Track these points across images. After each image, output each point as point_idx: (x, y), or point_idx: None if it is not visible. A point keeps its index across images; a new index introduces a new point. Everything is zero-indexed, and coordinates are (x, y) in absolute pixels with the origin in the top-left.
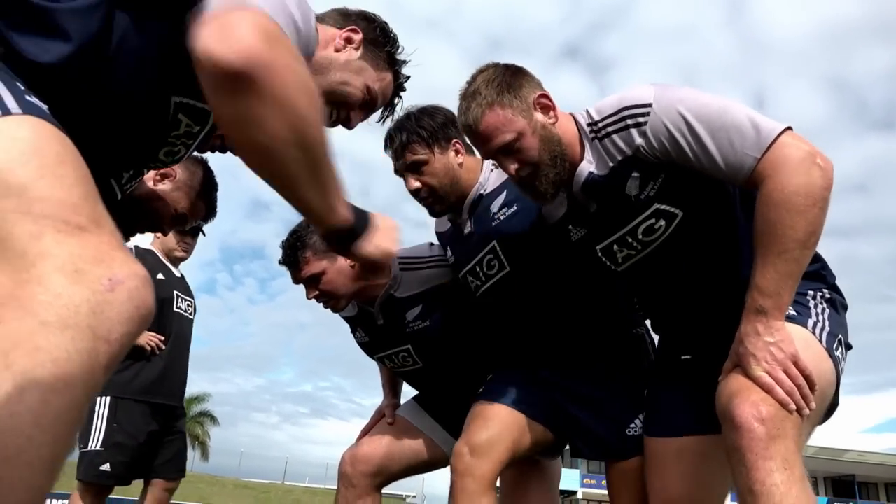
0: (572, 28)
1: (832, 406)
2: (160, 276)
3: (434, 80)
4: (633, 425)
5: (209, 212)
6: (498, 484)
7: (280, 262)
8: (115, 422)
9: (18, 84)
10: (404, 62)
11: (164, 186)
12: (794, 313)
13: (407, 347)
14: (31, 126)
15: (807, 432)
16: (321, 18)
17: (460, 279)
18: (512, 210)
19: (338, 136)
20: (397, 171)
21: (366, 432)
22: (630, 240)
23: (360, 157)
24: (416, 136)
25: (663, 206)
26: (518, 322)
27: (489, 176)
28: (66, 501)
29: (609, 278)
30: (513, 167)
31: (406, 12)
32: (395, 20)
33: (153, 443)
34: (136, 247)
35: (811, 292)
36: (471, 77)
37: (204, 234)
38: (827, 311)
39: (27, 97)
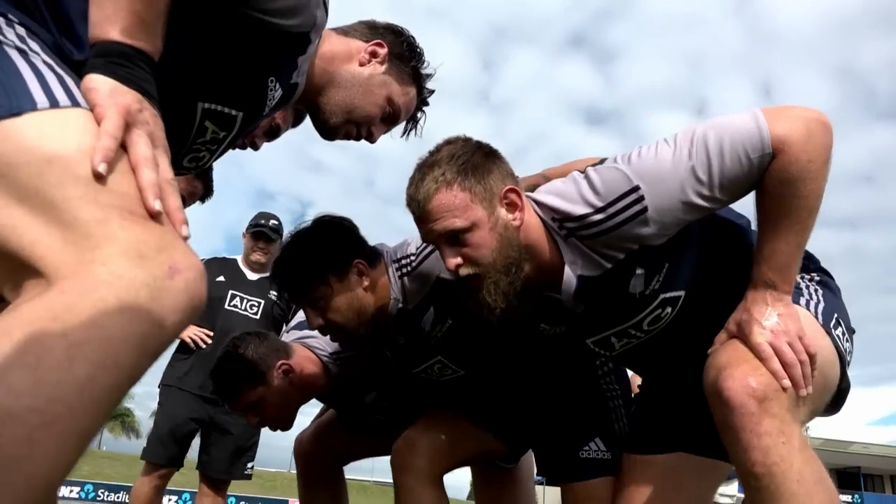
0: (578, 16)
1: (840, 393)
2: (220, 277)
3: (439, 70)
4: (587, 448)
5: (206, 191)
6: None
7: (213, 394)
8: (160, 404)
9: (67, 76)
10: (429, 76)
11: None
12: None
13: (438, 358)
14: (89, 119)
15: (806, 413)
16: (347, 31)
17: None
18: (448, 325)
19: None
20: (296, 305)
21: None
22: (633, 331)
23: (365, 149)
24: (306, 275)
25: (668, 294)
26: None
27: (399, 286)
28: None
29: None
30: (454, 261)
31: (409, 1)
32: (398, 9)
33: (195, 431)
34: (222, 257)
35: (798, 277)
36: (436, 146)
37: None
38: (820, 290)
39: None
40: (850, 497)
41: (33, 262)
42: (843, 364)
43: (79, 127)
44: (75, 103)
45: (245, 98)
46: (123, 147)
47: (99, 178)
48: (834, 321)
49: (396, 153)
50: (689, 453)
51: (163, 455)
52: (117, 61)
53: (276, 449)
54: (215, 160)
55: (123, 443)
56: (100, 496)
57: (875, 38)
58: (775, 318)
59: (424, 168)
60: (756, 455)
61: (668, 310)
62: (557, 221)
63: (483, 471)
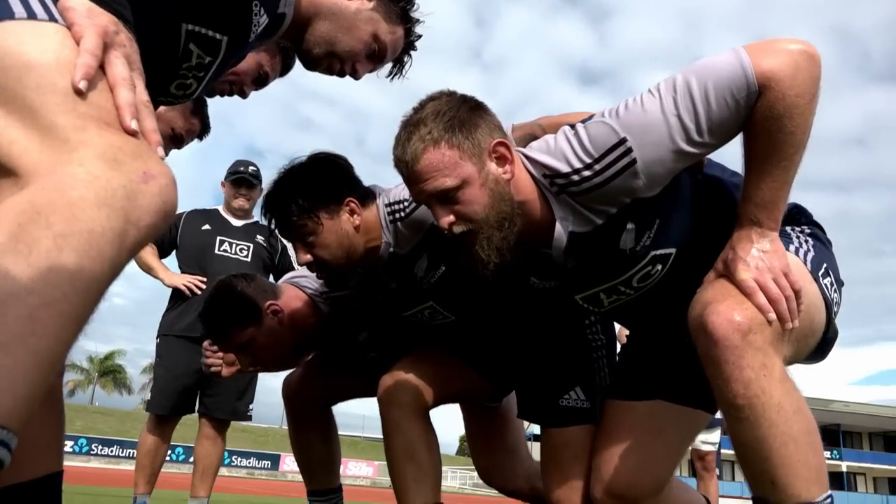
0: None
1: (826, 342)
2: (206, 226)
3: (430, 26)
4: (567, 396)
5: (204, 128)
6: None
7: (203, 336)
8: (158, 356)
9: None
10: (418, 20)
11: (159, 108)
12: None
13: (430, 304)
14: (66, 35)
15: (789, 350)
16: None
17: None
18: (440, 271)
19: (333, 85)
20: (285, 238)
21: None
22: (623, 288)
23: (355, 105)
24: (297, 207)
25: (659, 252)
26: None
27: (392, 230)
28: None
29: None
30: (447, 220)
31: None
32: None
33: (199, 379)
34: (202, 209)
35: (788, 228)
36: (419, 103)
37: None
38: (810, 241)
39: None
40: (829, 453)
41: (9, 161)
42: (830, 313)
43: (57, 40)
44: (52, 18)
45: (229, 21)
46: (101, 67)
47: (79, 92)
48: (823, 270)
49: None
50: (670, 401)
51: (166, 406)
52: None
53: (267, 405)
54: (203, 90)
55: (115, 399)
56: (93, 450)
57: None
58: (760, 258)
59: (410, 127)
60: (738, 387)
61: (659, 267)
62: (548, 178)
63: (471, 409)
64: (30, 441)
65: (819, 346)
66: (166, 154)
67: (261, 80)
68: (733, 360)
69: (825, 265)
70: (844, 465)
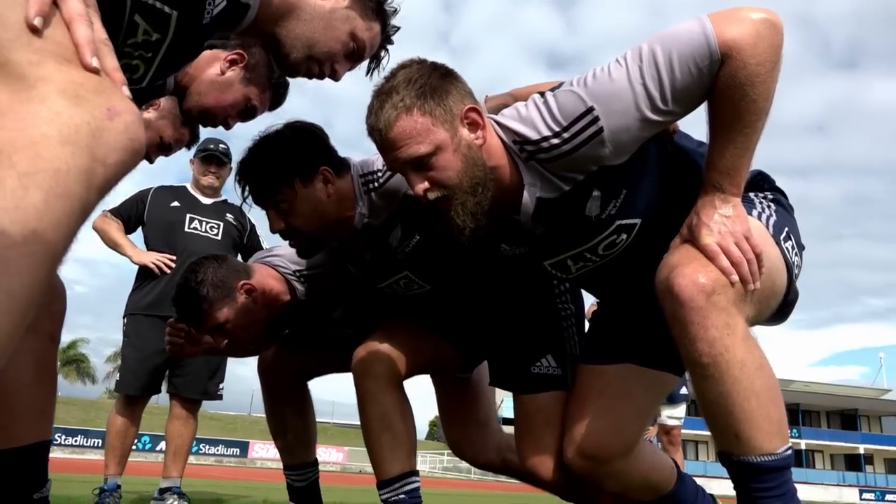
0: None
1: (787, 304)
2: (175, 203)
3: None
4: (539, 364)
5: (192, 138)
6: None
7: (179, 321)
8: (126, 335)
9: None
10: (394, 12)
11: (148, 115)
12: None
13: (405, 274)
14: None
15: (752, 311)
16: None
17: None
18: (415, 240)
19: None
20: (259, 205)
21: None
22: (588, 255)
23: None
24: (272, 174)
25: (624, 221)
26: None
27: (366, 200)
28: None
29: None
30: (421, 186)
31: None
32: None
33: (168, 359)
34: (170, 185)
35: (752, 194)
36: (390, 72)
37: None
38: (773, 206)
39: None
40: (789, 431)
41: None
42: (791, 276)
43: None
44: None
45: None
46: (54, 3)
47: (33, 29)
48: (784, 234)
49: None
50: (638, 365)
51: (136, 387)
52: None
53: (236, 393)
54: (153, 78)
55: (79, 388)
56: (57, 440)
57: None
58: (722, 222)
59: (382, 95)
60: (703, 346)
61: (624, 236)
62: (518, 144)
63: (443, 383)
64: (23, 409)
65: (781, 308)
66: (152, 160)
67: (247, 113)
68: (698, 320)
69: (786, 229)
70: (803, 443)
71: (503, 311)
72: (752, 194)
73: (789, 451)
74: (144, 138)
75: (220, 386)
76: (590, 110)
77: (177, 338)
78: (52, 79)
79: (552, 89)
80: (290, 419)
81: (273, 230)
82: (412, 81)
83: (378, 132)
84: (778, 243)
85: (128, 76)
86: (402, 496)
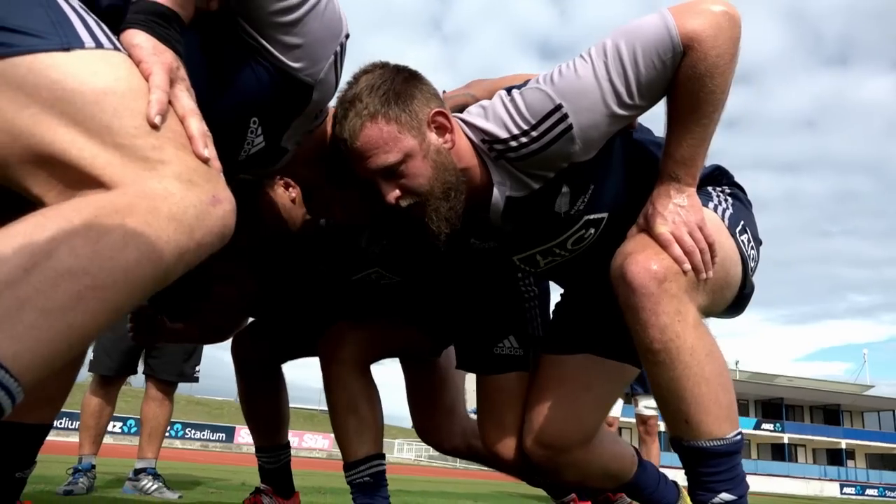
0: None
1: (742, 297)
2: None
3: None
4: (501, 345)
5: None
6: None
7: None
8: None
9: (100, 22)
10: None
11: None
12: None
13: (376, 269)
14: (132, 64)
15: (704, 300)
16: None
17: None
18: (384, 243)
19: None
20: None
21: None
22: (557, 250)
23: None
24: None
25: (592, 216)
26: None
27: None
28: None
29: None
30: (393, 195)
31: None
32: None
33: None
34: None
35: (710, 188)
36: (352, 77)
37: None
38: (730, 199)
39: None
40: (772, 425)
41: (94, 173)
42: (746, 268)
43: (125, 69)
44: (116, 48)
45: (220, 128)
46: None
47: (154, 127)
48: (740, 227)
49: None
50: (598, 355)
51: (110, 367)
52: (157, 20)
53: (223, 379)
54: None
55: None
56: None
57: None
58: (676, 212)
59: (345, 103)
60: (654, 332)
61: (592, 231)
62: (487, 143)
63: (411, 369)
64: (37, 389)
65: (736, 301)
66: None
67: None
68: (650, 306)
69: (742, 222)
70: (786, 437)
71: (467, 294)
72: (709, 188)
73: (738, 437)
74: (234, 225)
75: (197, 368)
76: (558, 108)
77: (142, 326)
78: (170, 162)
79: (518, 86)
80: (263, 402)
81: (240, 243)
82: (375, 87)
83: (344, 142)
84: (733, 235)
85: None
86: (367, 478)
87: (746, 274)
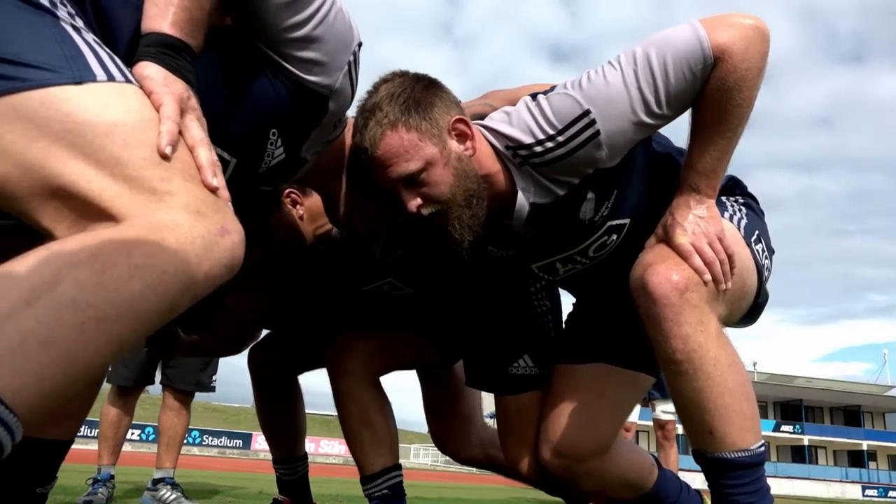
0: None
1: (756, 307)
2: None
3: (398, 5)
4: (516, 364)
5: None
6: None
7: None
8: None
9: (112, 54)
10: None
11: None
12: None
13: (389, 280)
14: (143, 95)
15: (724, 310)
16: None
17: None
18: (398, 253)
19: None
20: None
21: None
22: (578, 258)
23: None
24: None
25: (615, 222)
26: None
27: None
28: None
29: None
30: (415, 203)
31: None
32: None
33: None
34: None
35: (724, 198)
36: (372, 86)
37: None
38: (744, 210)
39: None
40: (791, 427)
41: (100, 203)
42: (761, 278)
43: (136, 100)
44: (128, 80)
45: (241, 142)
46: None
47: (164, 157)
48: (755, 237)
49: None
50: (612, 364)
51: (128, 378)
52: (167, 52)
53: (238, 385)
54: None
55: None
56: None
57: None
58: (696, 223)
59: (365, 112)
60: (677, 343)
61: (614, 237)
62: (511, 149)
63: (428, 379)
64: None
65: (751, 310)
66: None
67: None
68: (672, 316)
69: (757, 232)
70: (806, 439)
71: (479, 312)
72: (724, 198)
73: (762, 448)
74: (243, 256)
75: (213, 378)
76: (586, 113)
77: (157, 339)
78: (178, 193)
79: (544, 92)
80: (279, 414)
81: (250, 260)
82: (395, 96)
83: (364, 151)
84: (749, 245)
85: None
86: (386, 491)
87: (761, 283)
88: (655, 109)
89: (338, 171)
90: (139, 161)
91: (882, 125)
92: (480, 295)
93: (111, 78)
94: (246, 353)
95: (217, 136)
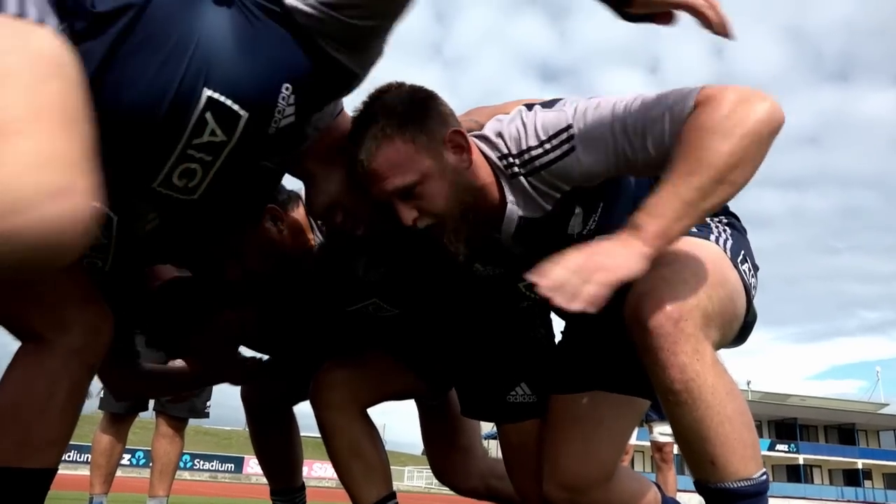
0: None
1: (746, 326)
2: None
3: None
4: (514, 393)
5: None
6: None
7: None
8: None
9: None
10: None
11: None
12: (696, 230)
13: (374, 300)
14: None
15: (717, 335)
16: None
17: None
18: (382, 271)
19: None
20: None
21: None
22: None
23: None
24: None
25: (602, 237)
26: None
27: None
28: None
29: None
30: (411, 216)
31: None
32: None
33: None
34: None
35: (708, 219)
36: (368, 97)
37: None
38: (728, 230)
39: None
40: (786, 446)
41: None
42: (749, 297)
43: (41, 41)
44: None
45: (254, 94)
46: None
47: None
48: (741, 257)
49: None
50: (607, 391)
51: (120, 404)
52: None
53: (230, 408)
54: (206, 189)
55: None
56: None
57: None
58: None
59: (361, 124)
60: (674, 372)
61: None
62: (503, 160)
63: (426, 409)
64: (42, 431)
65: (741, 330)
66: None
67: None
68: (667, 346)
69: (743, 252)
70: (801, 458)
71: (473, 341)
72: (707, 219)
73: (764, 476)
74: (84, 232)
75: (208, 404)
76: (568, 127)
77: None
78: (29, 138)
79: (542, 103)
80: (275, 445)
81: (230, 278)
82: (391, 108)
83: (360, 163)
84: (736, 266)
85: (183, 182)
86: None
87: (749, 302)
88: (631, 158)
89: (330, 157)
90: (5, 100)
91: (868, 143)
92: (474, 323)
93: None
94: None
95: (230, 86)
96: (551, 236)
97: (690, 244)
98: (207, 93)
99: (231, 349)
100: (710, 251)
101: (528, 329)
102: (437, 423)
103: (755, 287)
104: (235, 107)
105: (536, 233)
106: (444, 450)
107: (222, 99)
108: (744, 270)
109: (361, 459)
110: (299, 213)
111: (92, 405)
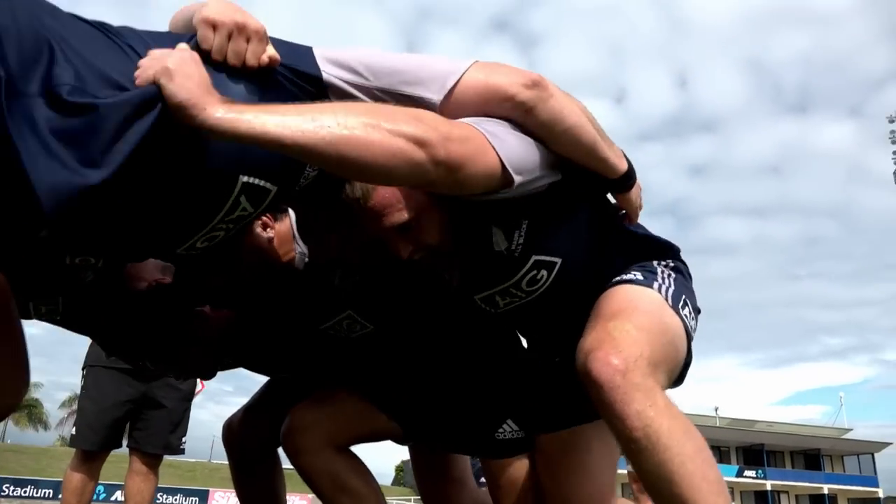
0: (501, 0)
1: (684, 367)
2: None
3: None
4: (501, 430)
5: None
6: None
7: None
8: (84, 388)
9: None
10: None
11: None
12: (641, 277)
13: (348, 313)
14: None
15: (664, 379)
16: None
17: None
18: (357, 279)
19: None
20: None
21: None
22: (514, 290)
23: None
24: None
25: (541, 258)
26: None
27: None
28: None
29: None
30: (408, 250)
31: None
32: None
33: (129, 412)
34: None
35: (656, 262)
36: None
37: None
38: (673, 275)
39: None
40: (754, 472)
41: None
42: (689, 340)
43: None
44: None
45: (283, 170)
46: None
47: None
48: (682, 302)
49: None
50: (588, 422)
51: (94, 441)
52: None
53: (195, 439)
54: (218, 244)
55: (30, 435)
56: (4, 491)
57: (785, 31)
58: None
59: None
60: (631, 421)
61: (544, 273)
62: None
63: (420, 460)
64: None
65: (679, 373)
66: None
67: None
68: (620, 398)
69: (683, 297)
70: (769, 484)
71: (454, 381)
72: (655, 262)
73: None
74: None
75: (183, 440)
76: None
77: None
78: None
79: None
80: (259, 489)
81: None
82: None
83: (356, 201)
84: (677, 312)
85: (204, 245)
86: None
87: (689, 345)
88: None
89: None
90: None
91: (827, 172)
92: (453, 348)
93: None
94: (201, 402)
95: (264, 170)
96: (481, 254)
97: (633, 293)
98: (244, 179)
99: (210, 351)
100: (651, 300)
101: (511, 363)
102: (427, 455)
103: (695, 329)
104: (266, 185)
105: (468, 249)
106: (435, 482)
107: (257, 182)
108: (685, 315)
109: (348, 493)
110: (285, 223)
111: (51, 437)
